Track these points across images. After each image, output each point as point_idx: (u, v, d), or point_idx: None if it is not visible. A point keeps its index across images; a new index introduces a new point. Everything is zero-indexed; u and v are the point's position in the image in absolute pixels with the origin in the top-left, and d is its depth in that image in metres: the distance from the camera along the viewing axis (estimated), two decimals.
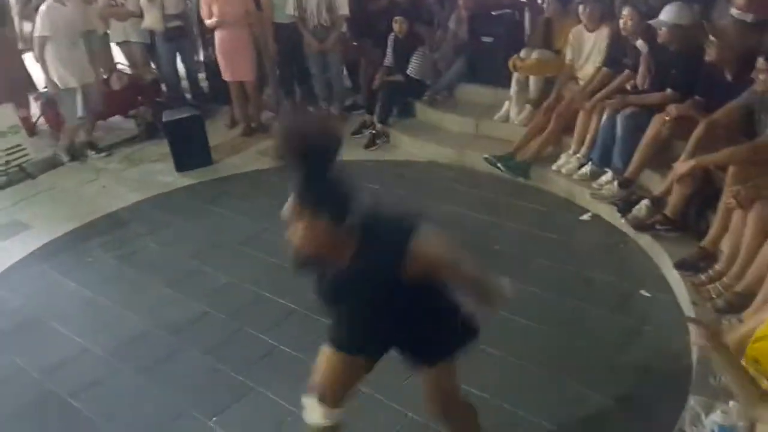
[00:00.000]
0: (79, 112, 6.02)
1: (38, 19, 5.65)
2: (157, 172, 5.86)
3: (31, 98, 6.79)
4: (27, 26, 6.85)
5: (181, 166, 5.77)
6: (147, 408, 3.21)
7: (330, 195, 1.91)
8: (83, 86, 5.97)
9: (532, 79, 5.35)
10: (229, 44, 6.05)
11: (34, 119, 6.82)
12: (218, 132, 6.45)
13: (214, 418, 3.06)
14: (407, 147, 5.84)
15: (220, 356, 3.49)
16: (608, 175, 4.47)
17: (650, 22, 4.31)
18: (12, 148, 5.97)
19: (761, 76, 3.43)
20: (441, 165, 5.49)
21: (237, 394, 3.22)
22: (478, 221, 4.54)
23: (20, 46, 6.90)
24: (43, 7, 5.64)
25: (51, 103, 6.34)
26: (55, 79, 5.82)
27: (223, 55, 6.12)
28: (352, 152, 5.82)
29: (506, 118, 5.50)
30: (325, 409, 2.25)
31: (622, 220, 4.12)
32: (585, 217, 4.45)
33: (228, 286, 4.11)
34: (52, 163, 6.21)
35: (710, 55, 3.87)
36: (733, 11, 4.06)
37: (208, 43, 6.70)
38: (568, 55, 5.13)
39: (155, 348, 3.62)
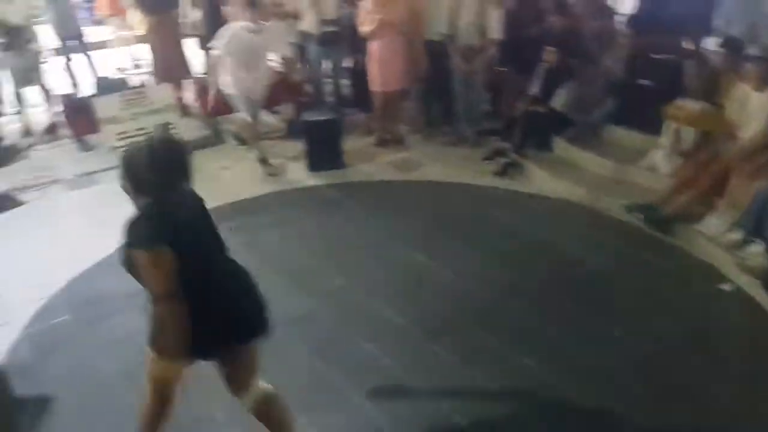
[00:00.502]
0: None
1: (221, 40, 5.47)
2: (291, 168, 6.04)
3: (187, 82, 7.22)
4: (194, 13, 7.35)
5: (314, 166, 5.92)
6: None
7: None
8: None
9: (687, 130, 5.02)
10: (385, 54, 6.10)
11: (187, 101, 7.25)
12: (354, 138, 6.56)
13: (305, 419, 3.05)
14: (539, 181, 5.65)
15: (322, 357, 3.51)
16: (759, 246, 4.08)
17: None
18: (164, 125, 6.35)
19: None
20: (573, 204, 5.26)
21: (331, 398, 3.21)
22: (602, 270, 4.30)
23: (183, 31, 7.38)
24: (228, 31, 5.48)
25: (205, 90, 6.70)
26: (225, 89, 5.76)
27: (378, 64, 6.18)
28: (481, 177, 5.74)
29: (652, 167, 5.19)
30: None
31: None
32: (725, 286, 4.08)
33: (341, 290, 4.13)
34: (197, 144, 6.56)
35: None
36: None
37: (357, 51, 6.83)
38: (732, 112, 4.76)
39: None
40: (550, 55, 5.75)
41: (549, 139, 5.98)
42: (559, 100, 5.76)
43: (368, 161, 6.15)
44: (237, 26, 5.52)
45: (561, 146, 5.92)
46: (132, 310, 3.93)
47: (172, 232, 2.27)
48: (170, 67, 7.05)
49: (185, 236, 2.31)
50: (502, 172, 5.75)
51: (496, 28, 6.02)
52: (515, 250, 4.57)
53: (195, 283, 2.32)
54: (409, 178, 5.82)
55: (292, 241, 4.76)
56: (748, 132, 4.63)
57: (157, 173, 2.30)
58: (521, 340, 3.61)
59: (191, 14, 7.40)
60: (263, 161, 5.96)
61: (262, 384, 2.65)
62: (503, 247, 4.62)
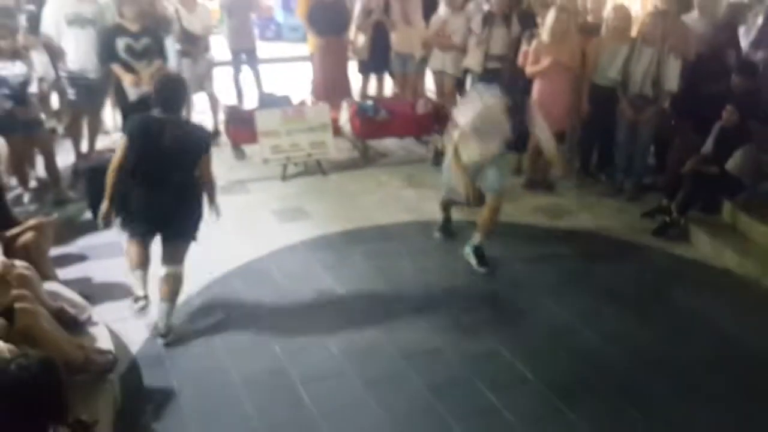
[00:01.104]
0: None
1: (467, 115, 4.67)
2: (433, 198, 5.93)
3: (345, 103, 7.39)
4: (360, 38, 7.55)
5: None
6: (360, 421, 3.19)
7: None
8: None
9: None
10: (549, 95, 5.89)
11: (341, 123, 7.41)
12: None
13: None
14: (702, 246, 5.13)
15: (440, 396, 3.34)
16: None
17: None
18: (316, 143, 6.50)
19: None
20: (737, 276, 4.72)
21: None
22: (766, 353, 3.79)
23: (349, 54, 7.59)
24: (473, 108, 4.68)
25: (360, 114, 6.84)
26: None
27: (540, 104, 5.96)
28: (637, 234, 5.31)
29: None
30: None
31: None
32: None
33: (467, 331, 3.95)
34: (344, 165, 6.68)
35: None
36: None
37: (515, 88, 6.59)
38: None
39: (383, 364, 3.62)
40: (730, 114, 5.26)
41: (717, 202, 5.45)
42: (734, 163, 5.22)
43: (512, 202, 5.91)
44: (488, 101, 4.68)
45: (730, 212, 5.36)
46: (264, 318, 4.00)
47: (137, 132, 3.65)
48: (333, 87, 7.26)
49: (142, 141, 3.61)
50: (662, 232, 5.29)
51: (672, 80, 5.62)
52: (667, 318, 4.15)
53: (132, 174, 3.66)
54: (556, 225, 5.52)
55: (425, 273, 4.64)
56: None
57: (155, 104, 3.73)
58: (667, 420, 3.23)
59: (357, 39, 7.61)
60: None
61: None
62: (654, 312, 4.21)
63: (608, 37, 5.98)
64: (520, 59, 6.12)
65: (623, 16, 6.00)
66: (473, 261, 4.71)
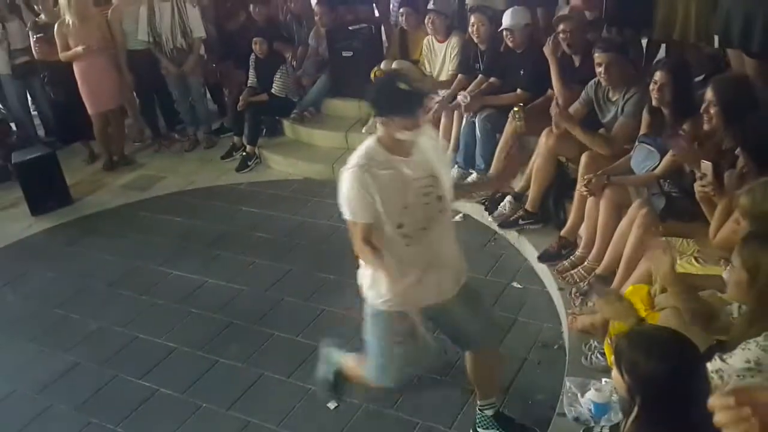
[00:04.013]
0: None
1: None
2: (11, 218, 5.43)
3: None
4: None
5: (37, 209, 5.38)
6: None
7: None
8: None
9: None
10: (91, 74, 5.73)
11: None
12: (76, 169, 6.09)
13: None
14: (280, 166, 5.78)
15: (93, 409, 3.28)
16: (474, 176, 4.63)
17: (502, 29, 4.52)
18: None
19: (598, 69, 3.69)
20: (315, 181, 5.46)
21: None
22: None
23: None
24: None
25: None
26: None
27: (87, 86, 5.76)
28: (224, 176, 5.71)
29: (374, 130, 5.54)
30: None
31: (490, 218, 4.29)
32: (456, 218, 4.58)
33: (98, 333, 3.87)
34: None
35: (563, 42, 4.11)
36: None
37: (53, 80, 6.23)
38: (425, 66, 5.29)
39: (22, 410, 3.35)
40: (258, 45, 5.84)
41: (278, 124, 6.12)
42: (276, 86, 5.89)
43: (98, 189, 5.75)
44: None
45: (291, 129, 6.09)
46: None
47: None
48: None
49: None
50: (242, 166, 5.77)
51: (197, 26, 5.94)
52: (272, 240, 4.64)
53: None
54: (149, 196, 5.58)
55: (32, 298, 4.32)
56: (442, 79, 5.20)
57: None
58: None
59: None
60: None
61: None
62: (262, 241, 4.66)
63: (123, 2, 5.95)
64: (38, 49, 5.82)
65: None
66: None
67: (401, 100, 2.20)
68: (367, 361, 2.53)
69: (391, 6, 6.24)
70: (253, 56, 5.95)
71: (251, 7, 6.17)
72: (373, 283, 2.36)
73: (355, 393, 2.96)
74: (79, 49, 5.58)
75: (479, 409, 2.74)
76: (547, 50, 4.14)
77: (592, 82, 3.87)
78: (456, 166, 4.77)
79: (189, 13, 5.89)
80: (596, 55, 3.65)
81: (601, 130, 3.83)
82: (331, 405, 3.06)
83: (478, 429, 2.75)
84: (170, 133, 6.50)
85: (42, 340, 3.86)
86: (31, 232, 5.18)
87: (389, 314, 2.35)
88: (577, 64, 4.20)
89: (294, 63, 6.24)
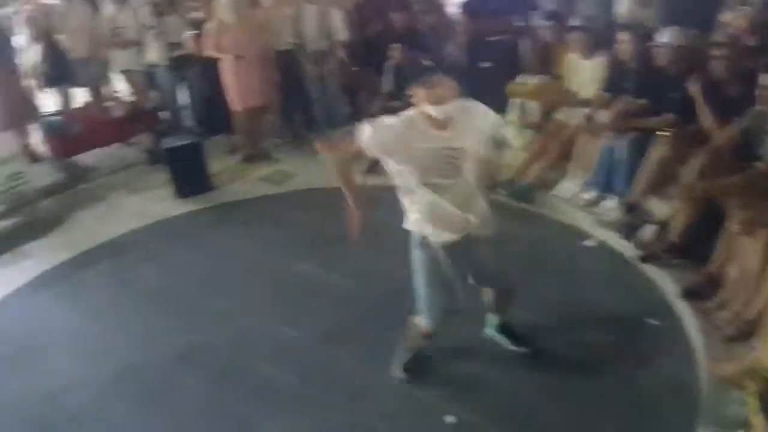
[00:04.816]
0: None
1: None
2: (156, 198, 5.83)
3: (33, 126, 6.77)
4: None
5: (182, 192, 5.75)
6: None
7: None
8: None
9: (530, 104, 5.35)
10: (241, 72, 5.98)
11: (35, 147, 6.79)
12: (218, 159, 6.44)
13: None
14: None
15: (219, 386, 3.43)
16: (612, 200, 4.44)
17: (652, 44, 4.32)
18: (12, 174, 5.88)
19: (764, 93, 3.43)
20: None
21: (236, 427, 3.16)
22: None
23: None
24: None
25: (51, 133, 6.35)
26: None
27: (238, 83, 6.04)
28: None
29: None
30: None
31: (627, 246, 4.08)
32: (589, 243, 4.41)
33: (227, 316, 4.05)
34: (54, 190, 6.17)
35: (716, 70, 3.86)
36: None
37: (203, 75, 6.64)
38: (568, 82, 5.14)
39: (153, 378, 3.57)
40: (396, 52, 5.92)
41: None
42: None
43: (237, 180, 6.06)
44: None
45: None
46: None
47: None
48: (13, 113, 6.57)
49: None
50: (370, 169, 5.85)
51: (340, 30, 6.12)
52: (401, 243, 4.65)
53: None
54: (282, 191, 5.79)
55: (170, 275, 4.59)
56: (585, 96, 5.03)
57: None
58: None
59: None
60: None
61: None
62: (390, 243, 4.68)
63: (274, 5, 6.23)
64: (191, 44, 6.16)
65: None
66: (505, 342, 3.43)
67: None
68: (417, 299, 3.00)
69: (533, 19, 6.12)
70: (392, 63, 6.04)
71: (393, 14, 6.27)
72: (408, 216, 2.86)
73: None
74: (231, 55, 5.88)
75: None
76: (693, 89, 3.91)
77: (752, 109, 3.61)
78: (592, 188, 4.61)
79: (333, 16, 6.08)
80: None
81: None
82: (449, 419, 3.03)
83: (487, 331, 3.45)
84: (306, 132, 6.72)
85: (175, 315, 4.09)
86: (174, 213, 5.52)
87: (424, 243, 2.86)
88: (733, 93, 3.91)
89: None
